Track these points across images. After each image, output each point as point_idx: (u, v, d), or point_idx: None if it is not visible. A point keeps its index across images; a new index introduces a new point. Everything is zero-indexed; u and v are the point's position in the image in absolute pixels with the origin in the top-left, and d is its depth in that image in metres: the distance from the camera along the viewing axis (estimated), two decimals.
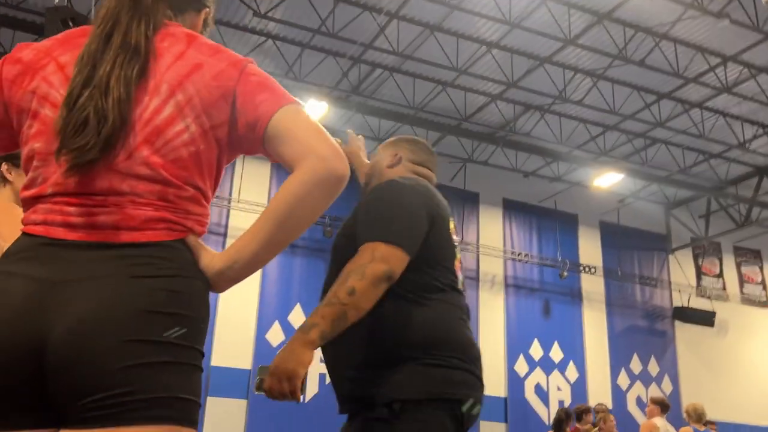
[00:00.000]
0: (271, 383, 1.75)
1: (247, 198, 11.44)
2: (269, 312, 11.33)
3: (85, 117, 1.15)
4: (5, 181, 2.47)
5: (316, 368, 11.56)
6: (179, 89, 1.22)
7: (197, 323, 1.18)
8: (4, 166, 2.46)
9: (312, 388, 11.00)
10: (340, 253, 2.01)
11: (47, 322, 1.10)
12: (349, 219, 2.12)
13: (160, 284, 1.15)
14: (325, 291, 1.84)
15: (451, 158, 12.95)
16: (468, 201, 13.37)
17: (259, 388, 1.83)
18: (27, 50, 1.28)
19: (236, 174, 11.67)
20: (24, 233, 1.21)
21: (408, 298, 1.95)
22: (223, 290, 1.26)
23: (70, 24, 6.41)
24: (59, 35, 1.32)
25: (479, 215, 13.52)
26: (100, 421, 1.08)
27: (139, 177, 1.19)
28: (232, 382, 10.66)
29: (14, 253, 1.19)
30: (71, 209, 1.18)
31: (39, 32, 9.08)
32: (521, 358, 13.01)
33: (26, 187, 1.24)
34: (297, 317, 11.22)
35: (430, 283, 1.98)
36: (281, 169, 11.95)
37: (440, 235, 2.07)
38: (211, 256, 1.23)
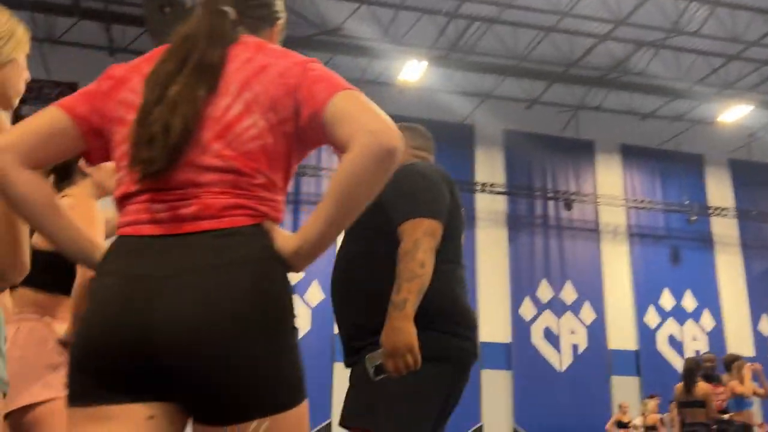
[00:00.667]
0: (396, 362, 1.95)
1: (310, 163, 11.50)
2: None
3: (153, 132, 1.24)
4: (84, 174, 2.49)
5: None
6: (247, 88, 1.30)
7: (285, 302, 1.26)
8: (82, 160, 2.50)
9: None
10: (359, 224, 2.03)
11: (153, 316, 1.17)
12: None
13: (249, 271, 1.22)
14: (341, 257, 1.92)
15: (560, 107, 12.44)
16: (582, 150, 12.82)
17: (378, 373, 2.00)
18: (119, 68, 1.40)
19: None
20: (118, 236, 1.31)
21: (452, 265, 2.17)
22: (299, 270, 1.30)
23: (167, 10, 6.55)
24: (150, 52, 1.42)
25: (595, 164, 12.95)
26: (230, 413, 1.18)
27: (214, 168, 1.26)
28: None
29: (112, 253, 1.28)
30: (155, 206, 1.26)
31: (140, 22, 9.39)
32: (651, 309, 12.44)
33: (116, 188, 1.33)
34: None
35: (441, 256, 2.12)
36: None
37: (456, 211, 2.28)
38: (284, 238, 1.29)
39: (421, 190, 2.19)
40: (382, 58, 11.08)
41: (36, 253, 2.33)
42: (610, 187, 12.83)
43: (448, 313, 2.15)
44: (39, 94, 10.84)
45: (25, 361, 2.23)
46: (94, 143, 1.36)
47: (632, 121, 12.88)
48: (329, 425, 10.60)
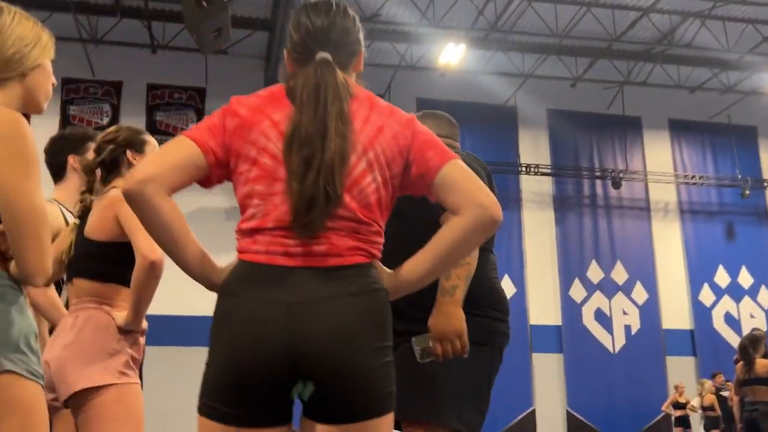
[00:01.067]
0: (444, 346, 2.04)
1: None
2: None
3: (313, 196, 1.42)
4: (131, 166, 2.53)
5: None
6: (370, 148, 1.51)
7: (390, 325, 1.50)
8: (129, 153, 2.52)
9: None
10: (407, 213, 2.14)
11: (299, 337, 1.39)
12: None
13: (371, 299, 1.47)
14: (393, 245, 1.87)
15: (605, 83, 12.17)
16: (630, 126, 12.53)
17: (424, 356, 2.08)
18: (242, 106, 1.54)
19: None
20: (245, 260, 1.49)
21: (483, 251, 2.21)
22: (392, 299, 1.54)
23: (204, 4, 6.58)
24: (263, 93, 1.58)
25: (644, 140, 12.65)
26: (361, 415, 1.42)
27: (342, 217, 1.48)
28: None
29: (245, 278, 1.48)
30: (290, 241, 1.46)
31: (179, 19, 9.48)
32: (706, 287, 12.14)
33: (246, 220, 1.51)
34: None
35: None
36: (426, 125, 11.85)
37: None
38: (388, 275, 1.56)
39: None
40: (420, 42, 10.98)
41: (90, 244, 2.37)
42: (660, 163, 12.52)
43: (486, 298, 2.24)
44: (85, 93, 11.09)
45: (83, 346, 2.27)
46: (215, 172, 1.52)
47: (680, 94, 12.53)
48: (533, 412, 10.94)
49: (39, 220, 1.55)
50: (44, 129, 10.53)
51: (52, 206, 3.00)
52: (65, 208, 3.04)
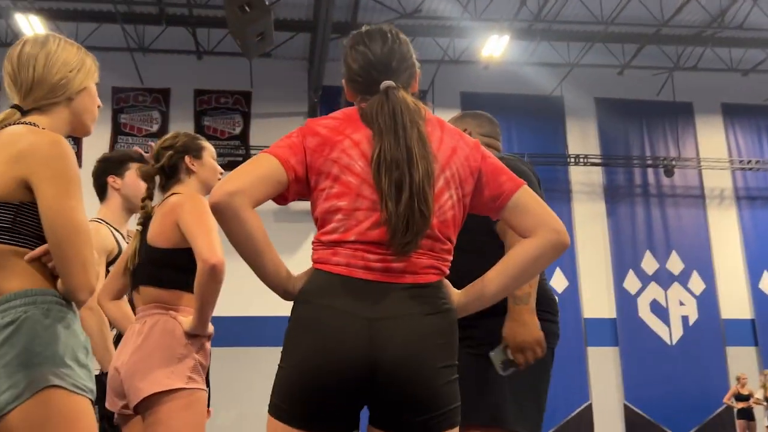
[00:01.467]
0: (526, 355, 2.11)
1: None
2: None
3: (409, 217, 1.49)
4: (190, 172, 2.55)
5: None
6: (447, 167, 1.60)
7: (457, 341, 1.58)
8: (188, 159, 2.55)
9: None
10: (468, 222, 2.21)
11: (376, 351, 1.47)
12: None
13: (442, 320, 1.55)
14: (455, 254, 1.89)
15: (654, 69, 11.89)
16: (681, 113, 12.22)
17: (506, 368, 2.13)
18: (320, 126, 1.62)
19: None
20: (324, 271, 1.55)
21: None
22: (461, 317, 1.62)
23: (247, 9, 6.65)
24: (339, 115, 1.65)
25: (696, 126, 12.32)
26: (427, 428, 1.49)
27: (424, 235, 1.54)
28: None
29: (326, 288, 1.54)
30: (370, 256, 1.53)
31: (223, 25, 9.60)
32: (765, 274, 11.78)
33: (327, 233, 1.57)
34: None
35: None
36: None
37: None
38: (456, 294, 1.64)
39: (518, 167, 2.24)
40: (463, 36, 10.90)
41: (153, 252, 2.40)
42: (713, 149, 12.18)
43: (541, 300, 2.25)
44: (135, 101, 11.33)
45: (151, 351, 2.29)
46: (293, 188, 1.59)
47: (733, 78, 12.18)
48: (590, 406, 10.69)
49: (81, 237, 1.60)
50: (97, 138, 10.84)
51: (101, 226, 3.08)
52: (112, 226, 3.12)
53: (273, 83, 11.41)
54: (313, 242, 1.61)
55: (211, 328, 2.35)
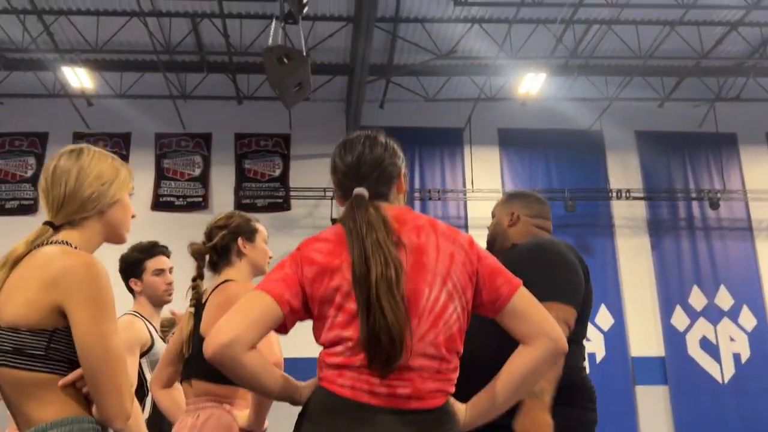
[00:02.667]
0: None
1: (480, 187, 11.33)
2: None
3: (376, 336, 1.47)
4: (241, 254, 2.57)
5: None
6: (448, 278, 1.58)
7: None
8: (240, 241, 2.56)
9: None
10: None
11: None
12: None
13: None
14: (470, 338, 1.87)
15: (695, 102, 11.71)
16: (725, 144, 11.98)
17: None
18: (315, 252, 1.60)
19: (467, 165, 11.60)
20: (329, 390, 1.54)
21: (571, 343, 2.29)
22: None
23: (285, 60, 6.77)
24: (331, 237, 1.63)
25: (740, 157, 12.05)
26: None
27: (426, 355, 1.53)
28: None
29: (331, 410, 1.52)
30: (375, 380, 1.52)
31: (262, 70, 9.77)
32: None
33: (333, 355, 1.56)
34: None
35: (570, 337, 2.18)
36: (509, 154, 11.70)
37: (588, 294, 2.43)
38: (460, 410, 1.62)
39: (557, 272, 2.30)
40: (499, 74, 10.92)
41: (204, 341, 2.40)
42: (760, 180, 11.88)
43: (578, 389, 2.28)
44: (177, 146, 11.56)
45: None
46: (290, 320, 1.60)
47: None
48: None
49: (116, 363, 1.59)
50: (142, 184, 11.08)
51: (135, 319, 3.14)
52: (145, 318, 3.18)
53: (311, 125, 11.55)
54: (318, 359, 1.61)
55: (266, 423, 2.32)
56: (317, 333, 1.62)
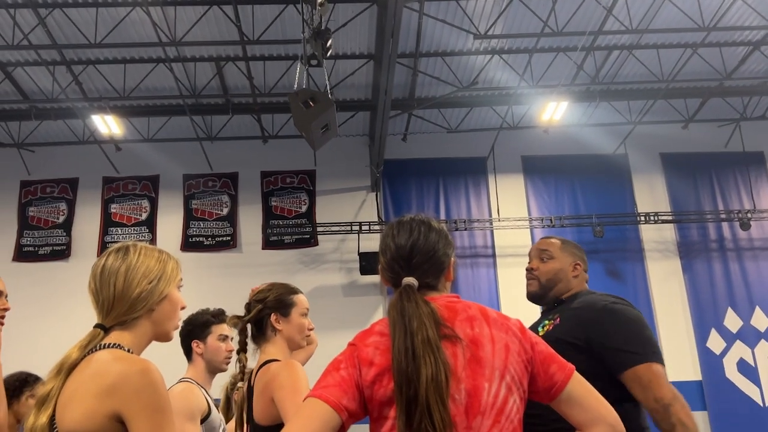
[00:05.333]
0: None
1: (506, 215, 11.32)
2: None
3: None
4: (275, 330, 2.57)
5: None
6: (506, 372, 1.57)
7: None
8: (274, 317, 2.56)
9: None
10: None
11: None
12: (560, 329, 2.45)
13: None
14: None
15: (719, 122, 11.65)
16: (752, 163, 11.87)
17: None
18: (370, 349, 1.58)
19: (492, 195, 11.60)
20: None
21: (635, 404, 2.33)
22: None
23: (311, 104, 6.86)
24: (385, 328, 1.61)
25: None
26: None
27: None
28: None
29: None
30: None
31: (285, 110, 9.91)
32: None
33: None
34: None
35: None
36: (534, 181, 11.68)
37: None
38: None
39: (645, 334, 2.36)
40: (521, 103, 10.95)
41: (260, 430, 2.40)
42: None
43: None
44: (205, 187, 11.70)
45: None
46: (349, 423, 1.56)
47: None
48: None
49: None
50: (170, 224, 11.21)
51: (193, 386, 3.16)
52: (200, 386, 3.22)
53: (336, 160, 11.64)
54: None
55: None
56: (376, 430, 1.59)
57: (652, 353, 2.31)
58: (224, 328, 3.34)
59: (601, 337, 2.33)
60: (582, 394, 1.62)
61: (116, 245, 1.86)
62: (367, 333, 1.65)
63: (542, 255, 2.70)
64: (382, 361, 1.56)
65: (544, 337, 2.39)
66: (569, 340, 2.35)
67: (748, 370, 10.89)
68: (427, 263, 1.69)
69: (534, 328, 2.56)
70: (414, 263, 1.67)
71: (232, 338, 3.39)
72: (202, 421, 3.05)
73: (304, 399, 1.58)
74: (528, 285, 2.72)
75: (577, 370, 1.87)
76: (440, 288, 1.72)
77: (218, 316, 3.37)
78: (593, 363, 2.25)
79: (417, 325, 1.54)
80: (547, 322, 2.54)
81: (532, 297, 2.72)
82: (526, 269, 2.75)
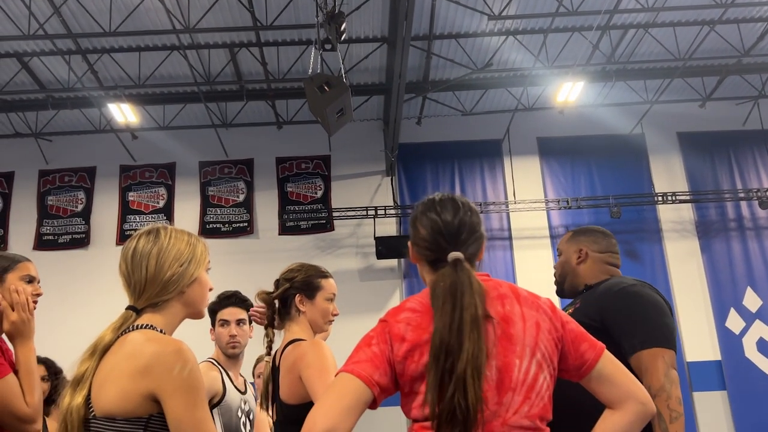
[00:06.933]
0: None
1: (522, 198, 11.28)
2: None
3: (451, 412, 1.45)
4: (299, 311, 2.59)
5: None
6: (537, 349, 1.59)
7: None
8: (298, 298, 2.58)
9: None
10: None
11: None
12: (579, 311, 2.43)
13: None
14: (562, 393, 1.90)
15: (737, 100, 11.52)
16: None
17: None
18: (403, 325, 1.59)
19: (508, 178, 11.55)
20: None
21: None
22: None
23: (326, 89, 6.85)
24: (418, 307, 1.62)
25: None
26: None
27: (522, 428, 1.52)
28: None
29: None
30: None
31: (300, 95, 9.91)
32: None
33: (429, 429, 1.53)
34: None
35: None
36: (550, 163, 11.62)
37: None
38: None
39: (656, 318, 2.33)
40: (536, 84, 10.88)
41: (287, 408, 2.40)
42: None
43: None
44: (221, 174, 11.76)
45: None
46: (380, 398, 1.58)
47: None
48: None
49: None
50: (188, 211, 11.28)
51: (212, 368, 3.20)
52: (222, 367, 3.26)
53: (350, 145, 11.64)
54: (411, 429, 1.60)
55: None
56: (407, 408, 1.60)
57: (660, 339, 2.26)
58: (224, 314, 3.38)
59: (614, 320, 2.32)
60: (612, 372, 1.64)
61: (146, 228, 1.88)
62: (398, 309, 1.66)
63: (558, 253, 2.77)
64: (413, 336, 1.57)
65: None
66: (587, 322, 2.34)
67: (767, 349, 10.83)
68: (471, 239, 1.71)
69: None
70: (462, 239, 1.69)
71: (240, 320, 3.40)
72: (217, 404, 3.07)
73: (336, 374, 1.59)
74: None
75: None
76: (474, 268, 1.73)
77: (220, 302, 3.40)
78: (611, 345, 2.24)
79: (468, 301, 1.55)
80: (569, 308, 2.55)
81: (558, 294, 2.78)
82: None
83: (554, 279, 2.76)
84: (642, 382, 2.15)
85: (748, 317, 10.98)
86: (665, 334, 2.30)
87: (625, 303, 2.36)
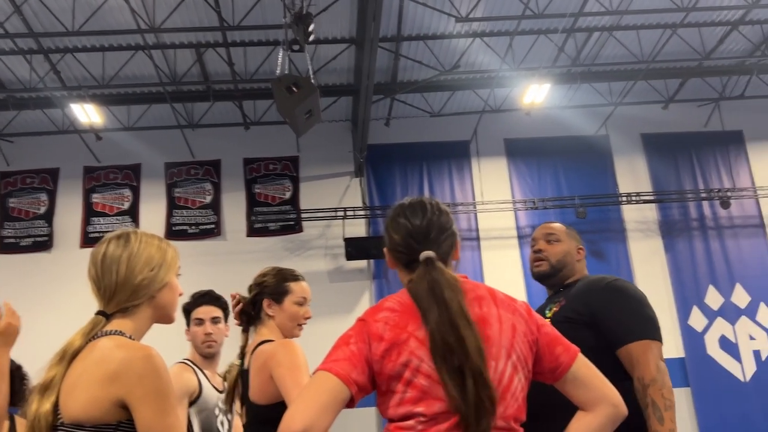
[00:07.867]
0: None
1: (490, 198, 11.37)
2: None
3: (479, 404, 1.49)
4: (268, 316, 2.59)
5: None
6: (513, 351, 1.61)
7: None
8: (266, 302, 2.58)
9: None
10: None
11: None
12: (566, 308, 2.51)
13: None
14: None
15: (699, 102, 11.75)
16: (731, 142, 11.99)
17: None
18: (381, 324, 1.60)
19: (476, 178, 11.63)
20: None
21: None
22: None
23: (294, 90, 6.83)
24: (396, 306, 1.63)
25: (748, 155, 12.05)
26: None
27: (496, 429, 1.53)
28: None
29: None
30: None
31: (267, 96, 9.85)
32: None
33: (405, 429, 1.55)
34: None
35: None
36: (517, 164, 11.73)
37: None
38: None
39: (646, 311, 2.44)
40: (503, 86, 10.98)
41: (257, 409, 2.41)
42: None
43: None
44: (187, 175, 11.64)
45: None
46: (358, 397, 1.58)
47: None
48: None
49: None
50: (153, 213, 11.15)
51: (186, 368, 3.17)
52: (197, 366, 3.23)
53: (319, 146, 11.61)
54: (387, 429, 1.61)
55: None
56: (383, 407, 1.61)
57: (648, 331, 2.37)
58: (199, 312, 3.36)
59: (602, 313, 2.40)
60: (586, 375, 1.67)
61: (115, 232, 1.87)
62: (376, 309, 1.67)
63: (549, 238, 2.78)
64: (392, 336, 1.58)
65: (551, 318, 2.47)
66: (575, 317, 2.42)
67: (729, 346, 11.06)
68: (442, 238, 1.74)
69: (541, 311, 2.60)
70: (432, 238, 1.71)
71: (215, 318, 3.38)
72: (193, 402, 3.06)
73: (314, 372, 1.59)
74: (536, 266, 2.78)
75: (585, 346, 1.90)
76: (449, 266, 1.76)
77: (194, 301, 3.38)
78: (599, 339, 2.33)
79: (449, 295, 1.58)
80: (553, 305, 2.60)
81: (541, 276, 2.77)
82: (534, 251, 2.80)
83: (545, 261, 2.77)
84: (633, 373, 2.27)
85: (710, 315, 11.20)
86: (652, 327, 2.42)
87: (613, 297, 2.45)
